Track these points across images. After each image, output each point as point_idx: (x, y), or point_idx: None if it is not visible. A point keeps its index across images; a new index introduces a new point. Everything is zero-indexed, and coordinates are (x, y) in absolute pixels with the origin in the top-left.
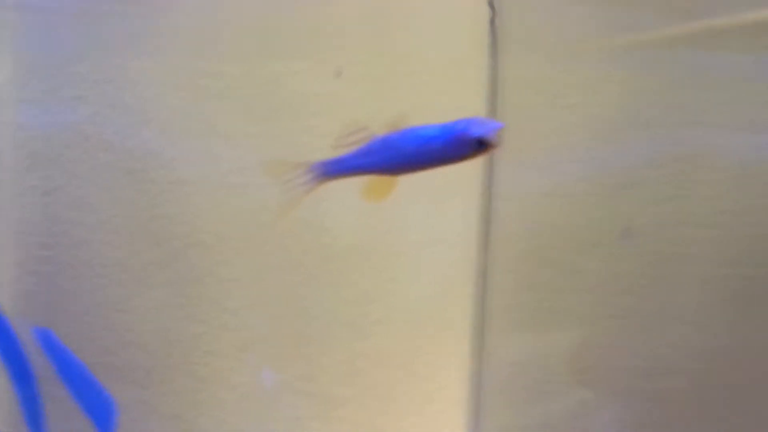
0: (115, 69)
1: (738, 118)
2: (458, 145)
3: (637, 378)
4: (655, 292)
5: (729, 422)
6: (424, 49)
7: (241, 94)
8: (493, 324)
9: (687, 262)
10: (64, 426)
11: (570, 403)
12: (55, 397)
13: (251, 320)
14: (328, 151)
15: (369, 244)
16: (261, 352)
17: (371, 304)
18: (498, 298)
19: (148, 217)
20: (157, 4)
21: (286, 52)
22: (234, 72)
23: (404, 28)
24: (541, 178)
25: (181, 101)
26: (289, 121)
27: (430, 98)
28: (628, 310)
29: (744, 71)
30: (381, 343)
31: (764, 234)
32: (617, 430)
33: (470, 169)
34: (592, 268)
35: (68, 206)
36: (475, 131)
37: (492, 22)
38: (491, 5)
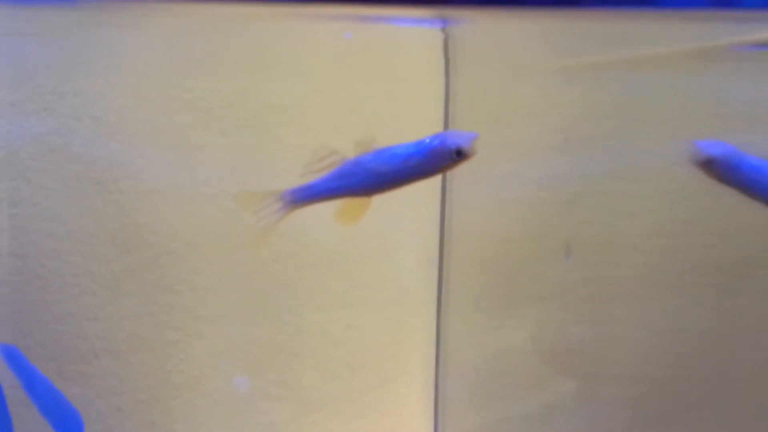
0: (83, 82)
1: (681, 131)
2: (438, 158)
3: (600, 384)
4: (616, 299)
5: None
6: (385, 68)
7: (210, 106)
8: (454, 328)
9: (645, 270)
10: None
11: (531, 405)
12: (22, 414)
13: (224, 328)
14: (295, 160)
15: (338, 251)
16: (235, 358)
17: (343, 309)
18: (458, 303)
19: (117, 227)
20: (126, 19)
21: (254, 67)
22: (203, 85)
23: (367, 50)
24: (495, 188)
25: (150, 113)
26: (258, 132)
27: (390, 112)
28: (591, 317)
29: (679, 90)
30: (353, 349)
31: (718, 242)
32: None
33: (428, 180)
34: (552, 275)
35: (36, 217)
36: (452, 143)
37: (445, 45)
38: (444, 31)
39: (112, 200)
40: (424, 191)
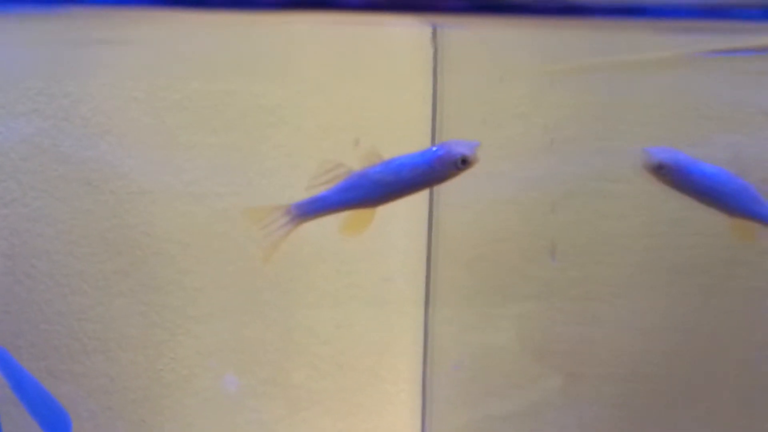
0: (72, 83)
1: (666, 133)
2: (444, 167)
3: (587, 383)
4: (603, 298)
5: (679, 424)
6: (374, 69)
7: (199, 106)
8: (441, 327)
9: (632, 269)
10: None
11: (518, 403)
12: (11, 413)
13: (214, 327)
14: (282, 159)
15: (328, 250)
16: (224, 357)
17: (332, 308)
18: (445, 301)
19: (108, 227)
20: (114, 20)
21: (244, 68)
22: (192, 86)
23: (357, 51)
24: (483, 188)
25: (140, 114)
26: (247, 132)
27: (380, 113)
28: (578, 316)
29: (665, 93)
30: (343, 347)
31: (704, 242)
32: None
33: None
34: (539, 274)
35: (26, 218)
36: (457, 151)
37: (435, 46)
38: (433, 33)
39: (102, 201)
40: None
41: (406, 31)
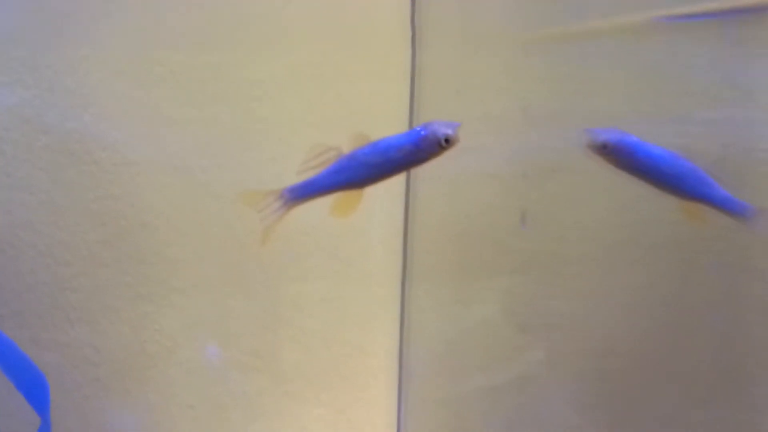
0: (54, 55)
1: (649, 107)
2: (429, 146)
3: (567, 358)
4: (583, 274)
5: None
6: (355, 42)
7: (183, 79)
8: (418, 301)
9: (613, 245)
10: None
11: (495, 377)
12: None
13: (198, 299)
14: (268, 134)
15: (310, 224)
16: (208, 329)
17: (316, 282)
18: (423, 275)
19: (92, 198)
20: None
21: (228, 41)
22: (177, 58)
23: (338, 23)
24: (459, 162)
25: (124, 86)
26: (232, 105)
27: (360, 84)
28: (557, 291)
29: (650, 64)
30: (326, 320)
31: (684, 217)
32: (551, 407)
33: None
34: (517, 248)
35: (9, 187)
36: (441, 132)
37: (413, 17)
38: (413, 3)
39: (86, 172)
40: None
41: (385, 6)
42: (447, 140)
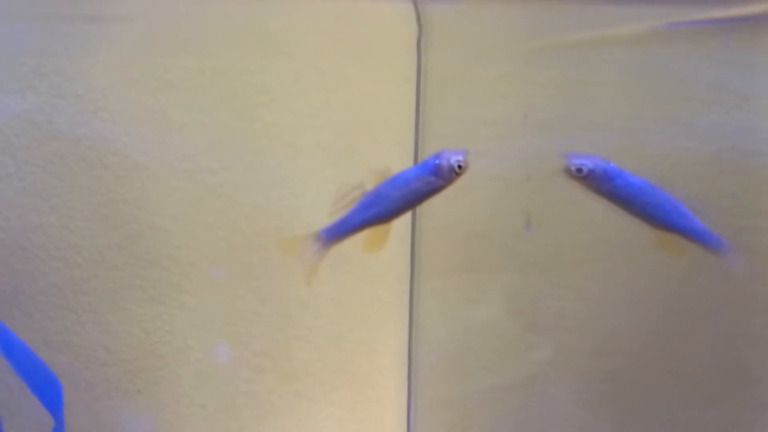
0: (65, 62)
1: (650, 112)
2: (444, 174)
3: (574, 357)
4: (588, 276)
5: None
6: (361, 48)
7: (191, 85)
8: (426, 301)
9: (617, 246)
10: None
11: (503, 377)
12: (7, 381)
13: (208, 300)
14: (275, 139)
15: (319, 227)
16: (218, 330)
17: (325, 283)
18: (430, 276)
19: (103, 202)
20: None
21: (235, 47)
22: (185, 64)
23: (344, 29)
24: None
25: (133, 92)
26: (239, 111)
27: (366, 89)
28: (564, 292)
29: (651, 70)
30: (335, 321)
31: None
32: (553, 406)
33: (399, 157)
34: (522, 250)
35: (20, 192)
36: (454, 159)
37: (418, 24)
38: (418, 10)
39: (96, 176)
40: (394, 170)
41: (391, 13)
42: (460, 166)
